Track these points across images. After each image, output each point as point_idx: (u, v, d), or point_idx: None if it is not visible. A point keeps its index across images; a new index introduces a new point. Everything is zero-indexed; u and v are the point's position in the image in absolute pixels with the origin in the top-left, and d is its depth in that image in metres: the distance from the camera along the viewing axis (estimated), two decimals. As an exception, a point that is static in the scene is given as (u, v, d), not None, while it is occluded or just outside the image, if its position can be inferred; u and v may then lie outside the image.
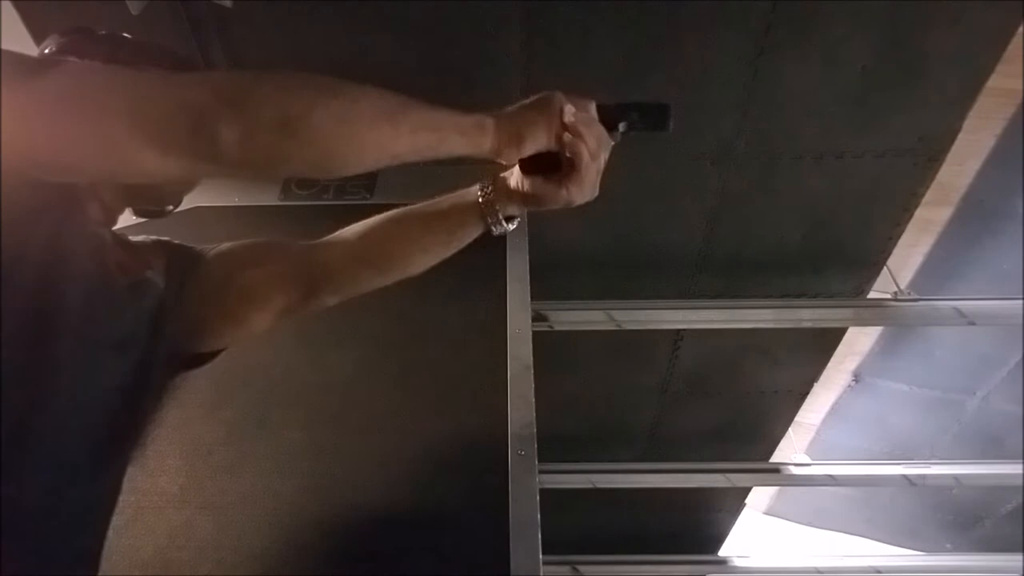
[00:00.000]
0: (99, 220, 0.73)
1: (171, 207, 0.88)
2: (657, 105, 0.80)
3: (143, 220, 0.87)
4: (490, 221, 0.83)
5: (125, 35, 0.88)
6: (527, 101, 0.76)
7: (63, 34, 0.83)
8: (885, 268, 2.09)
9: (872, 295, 2.19)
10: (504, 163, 0.76)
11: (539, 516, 0.96)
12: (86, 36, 0.83)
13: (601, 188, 0.79)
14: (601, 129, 0.76)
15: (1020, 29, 1.53)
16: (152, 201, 0.85)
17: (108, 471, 0.69)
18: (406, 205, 1.47)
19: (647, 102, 0.81)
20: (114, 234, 0.76)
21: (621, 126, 0.79)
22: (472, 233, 0.85)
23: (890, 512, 4.08)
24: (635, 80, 1.62)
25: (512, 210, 0.83)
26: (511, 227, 0.85)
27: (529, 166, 0.79)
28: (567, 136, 0.74)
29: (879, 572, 3.20)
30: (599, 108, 0.78)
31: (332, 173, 0.65)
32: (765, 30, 1.52)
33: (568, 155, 0.75)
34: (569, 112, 0.74)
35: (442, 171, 1.51)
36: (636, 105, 0.80)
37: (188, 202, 1.28)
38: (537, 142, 0.73)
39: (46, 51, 0.82)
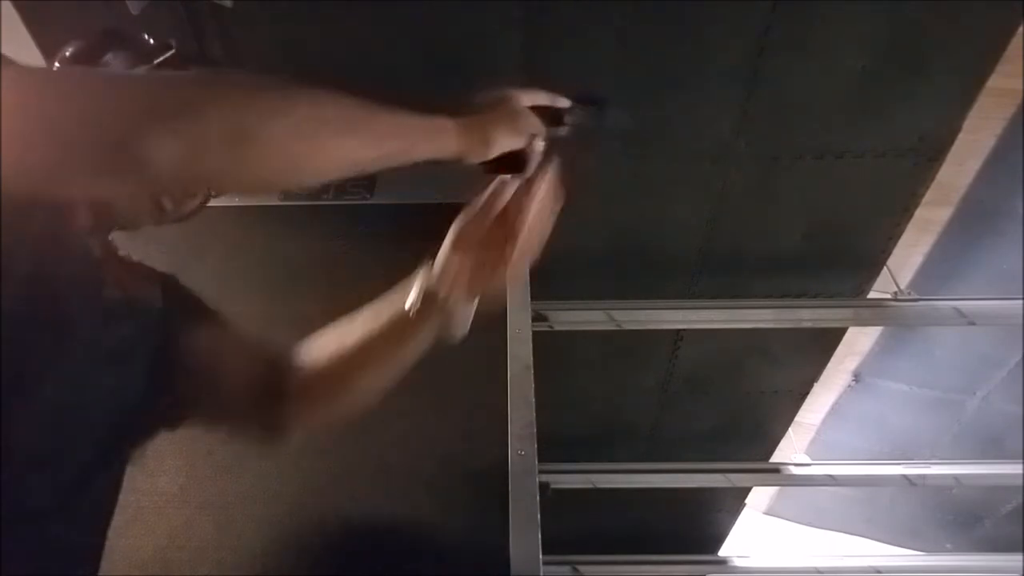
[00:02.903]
0: (87, 227, 0.72)
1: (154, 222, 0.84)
2: (598, 100, 0.83)
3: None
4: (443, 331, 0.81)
5: (146, 37, 0.86)
6: (484, 102, 0.76)
7: (85, 38, 0.82)
8: (885, 268, 2.09)
9: (872, 295, 2.19)
10: (471, 163, 0.75)
11: (539, 516, 0.96)
12: (110, 38, 0.82)
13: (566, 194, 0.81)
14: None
15: (1020, 29, 1.53)
16: (124, 221, 0.81)
17: (105, 476, 0.69)
18: (405, 204, 1.47)
19: (591, 97, 0.83)
20: (113, 248, 0.76)
21: (567, 118, 0.81)
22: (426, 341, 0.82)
23: (890, 512, 4.08)
24: (635, 80, 1.62)
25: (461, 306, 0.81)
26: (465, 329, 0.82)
27: (493, 166, 0.79)
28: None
29: (879, 572, 3.20)
30: (542, 107, 0.79)
31: (289, 187, 0.63)
32: (765, 30, 1.52)
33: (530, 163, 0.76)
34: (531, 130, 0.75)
35: (442, 170, 1.51)
36: (580, 100, 0.82)
37: (188, 202, 1.27)
38: (504, 143, 0.74)
39: (67, 53, 0.81)
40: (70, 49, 0.82)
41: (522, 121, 0.75)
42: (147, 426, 0.77)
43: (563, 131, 0.81)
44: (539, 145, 0.78)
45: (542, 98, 0.80)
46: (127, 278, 0.73)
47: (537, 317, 1.97)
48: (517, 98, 0.77)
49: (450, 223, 0.81)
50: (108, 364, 0.68)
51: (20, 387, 0.58)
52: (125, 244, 0.80)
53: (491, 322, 1.23)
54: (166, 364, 0.76)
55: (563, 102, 0.82)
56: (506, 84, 0.79)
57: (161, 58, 0.84)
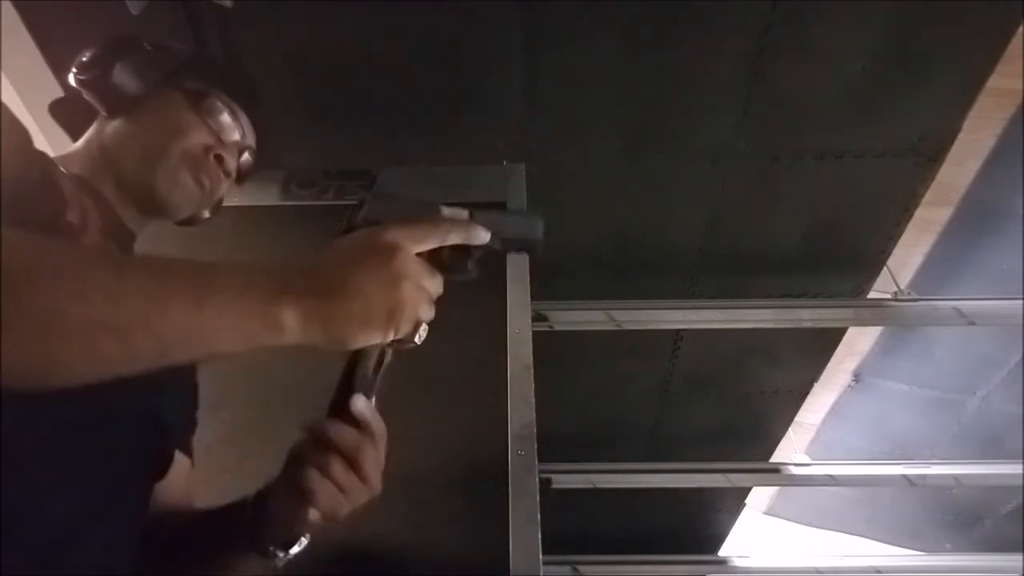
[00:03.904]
0: (82, 226, 0.71)
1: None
2: (527, 233, 0.63)
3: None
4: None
5: (163, 46, 0.87)
6: (356, 250, 0.54)
7: (105, 45, 0.82)
8: (885, 268, 2.09)
9: (872, 295, 2.19)
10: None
11: (539, 516, 0.96)
12: (123, 47, 0.83)
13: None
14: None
15: (1020, 29, 1.53)
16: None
17: (126, 514, 0.66)
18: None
19: (519, 228, 0.64)
20: None
21: (478, 253, 0.60)
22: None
23: (890, 512, 4.08)
24: (635, 80, 1.62)
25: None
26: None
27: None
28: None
29: (879, 572, 3.20)
30: (447, 248, 0.58)
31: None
32: (765, 30, 1.52)
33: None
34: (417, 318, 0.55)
35: (445, 171, 1.51)
36: (511, 234, 0.63)
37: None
38: (365, 340, 0.53)
39: (84, 58, 0.82)
40: (84, 56, 0.82)
41: (408, 307, 0.54)
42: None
43: (471, 274, 0.60)
44: (423, 328, 0.57)
45: (456, 235, 0.58)
46: None
47: (537, 317, 1.97)
48: (407, 251, 0.54)
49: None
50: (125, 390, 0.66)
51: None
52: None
53: (491, 322, 1.23)
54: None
55: (482, 237, 0.60)
56: (405, 205, 0.57)
57: (174, 66, 0.85)
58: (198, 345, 0.47)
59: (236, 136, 0.88)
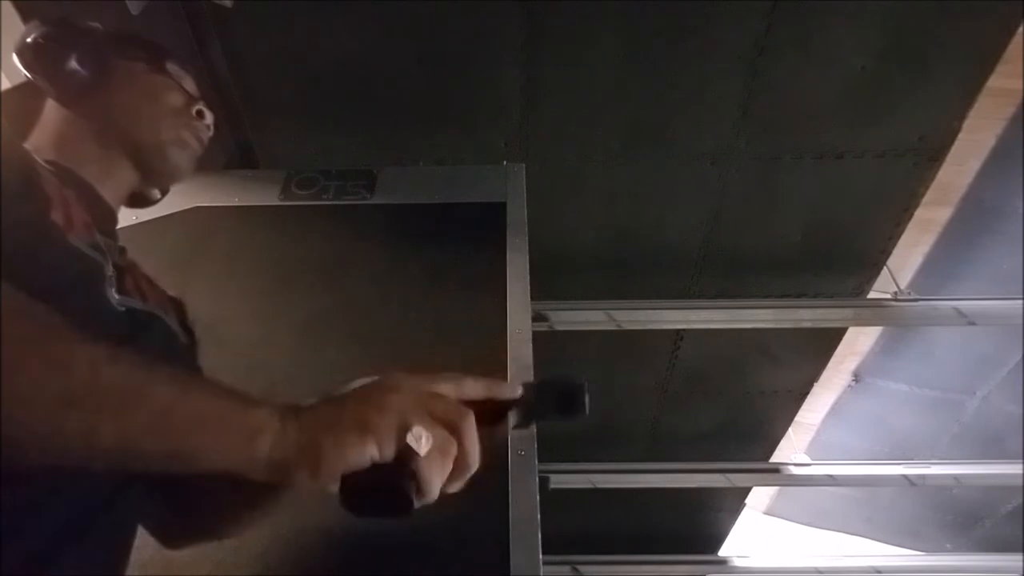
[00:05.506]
0: (68, 225, 0.68)
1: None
2: (568, 389, 0.59)
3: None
4: None
5: (98, 26, 0.87)
6: (353, 391, 0.52)
7: (45, 23, 0.82)
8: (885, 268, 2.10)
9: (872, 295, 2.19)
10: (306, 489, 0.51)
11: (539, 516, 0.95)
12: (68, 28, 0.83)
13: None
14: (472, 433, 0.54)
15: (1020, 29, 1.53)
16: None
17: (126, 514, 0.67)
18: (405, 204, 1.47)
19: (557, 385, 0.60)
20: (132, 262, 0.77)
21: (518, 412, 0.56)
22: None
23: (890, 512, 4.07)
24: (636, 80, 1.62)
25: None
26: None
27: (350, 501, 0.53)
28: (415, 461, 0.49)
29: (879, 572, 3.20)
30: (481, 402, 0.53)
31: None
32: (765, 30, 1.52)
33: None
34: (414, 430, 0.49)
35: (445, 171, 1.51)
36: (545, 389, 0.59)
37: (188, 202, 1.27)
38: (339, 459, 0.49)
39: (28, 39, 0.81)
40: (32, 46, 0.81)
41: (387, 413, 0.49)
42: None
43: (516, 429, 0.54)
44: (422, 457, 0.50)
45: (472, 388, 0.56)
46: (146, 288, 0.74)
47: (537, 317, 1.97)
48: (406, 387, 0.51)
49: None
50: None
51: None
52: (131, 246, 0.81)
53: (491, 322, 1.23)
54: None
55: (510, 391, 0.57)
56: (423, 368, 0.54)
57: (114, 40, 0.85)
58: (171, 435, 0.45)
59: (199, 92, 0.90)
